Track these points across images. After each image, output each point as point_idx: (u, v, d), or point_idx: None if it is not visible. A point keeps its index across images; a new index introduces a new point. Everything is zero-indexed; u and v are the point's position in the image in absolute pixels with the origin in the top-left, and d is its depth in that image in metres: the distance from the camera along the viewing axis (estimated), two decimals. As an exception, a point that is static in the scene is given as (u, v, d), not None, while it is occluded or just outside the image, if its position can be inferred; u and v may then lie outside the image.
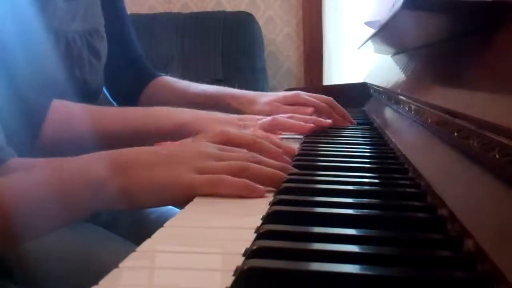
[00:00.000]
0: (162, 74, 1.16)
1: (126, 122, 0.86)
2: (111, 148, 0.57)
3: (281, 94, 1.05)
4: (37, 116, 0.79)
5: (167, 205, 0.55)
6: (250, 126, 0.86)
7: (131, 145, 0.59)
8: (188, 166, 0.54)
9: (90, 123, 0.83)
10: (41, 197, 0.52)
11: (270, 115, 0.91)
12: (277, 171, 0.57)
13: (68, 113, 0.83)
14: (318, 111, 1.00)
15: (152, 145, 0.73)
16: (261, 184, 0.55)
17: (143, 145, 0.61)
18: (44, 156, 0.64)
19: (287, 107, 1.00)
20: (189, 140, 0.71)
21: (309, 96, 1.02)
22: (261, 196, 0.53)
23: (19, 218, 0.51)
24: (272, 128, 0.87)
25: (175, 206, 0.93)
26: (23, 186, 0.53)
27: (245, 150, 0.62)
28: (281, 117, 0.89)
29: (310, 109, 0.99)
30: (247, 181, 0.54)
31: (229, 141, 0.64)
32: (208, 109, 0.92)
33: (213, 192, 0.53)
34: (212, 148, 0.59)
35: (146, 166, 0.54)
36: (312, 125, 0.88)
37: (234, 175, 0.54)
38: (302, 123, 0.88)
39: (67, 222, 0.55)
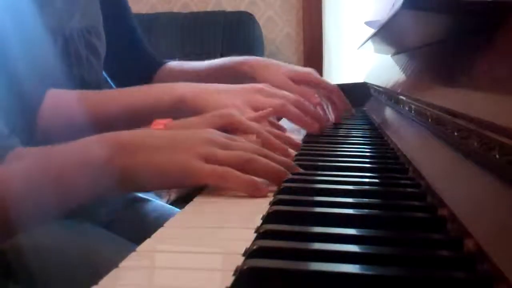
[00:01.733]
0: (168, 60, 1.15)
1: (121, 103, 0.82)
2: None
3: (294, 69, 1.02)
4: (33, 104, 0.79)
5: (169, 188, 0.54)
6: (256, 103, 0.82)
7: (130, 128, 0.57)
8: (193, 152, 0.53)
9: (84, 108, 0.80)
10: (39, 181, 0.51)
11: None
12: (282, 168, 0.56)
13: (60, 99, 0.81)
14: (327, 91, 1.01)
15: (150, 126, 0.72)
16: (265, 178, 0.55)
17: (145, 125, 0.60)
18: (42, 144, 0.64)
19: (295, 87, 0.96)
20: (192, 119, 0.69)
21: (320, 79, 1.02)
22: (264, 196, 0.53)
23: (17, 205, 0.50)
24: (278, 114, 0.84)
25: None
26: (20, 172, 0.51)
27: (252, 141, 0.61)
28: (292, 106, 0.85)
29: (316, 100, 0.96)
30: (254, 178, 0.53)
31: (232, 126, 0.63)
32: (221, 80, 0.88)
33: (218, 184, 0.53)
34: (218, 136, 0.58)
35: (150, 148, 0.53)
36: (317, 125, 0.86)
37: (239, 165, 0.54)
38: (309, 120, 0.85)
39: (68, 206, 0.54)
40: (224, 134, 0.59)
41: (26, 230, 0.58)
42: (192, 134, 0.57)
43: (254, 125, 0.67)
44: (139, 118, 0.81)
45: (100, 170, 0.51)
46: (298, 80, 1.00)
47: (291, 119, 0.84)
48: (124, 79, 1.09)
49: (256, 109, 0.80)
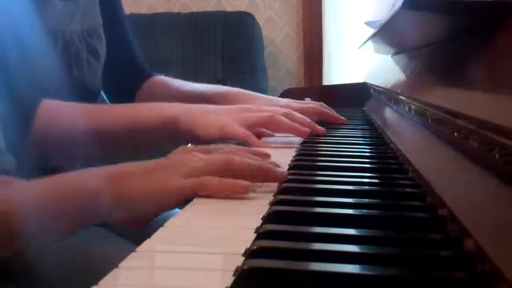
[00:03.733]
0: (157, 74, 1.16)
1: (116, 118, 0.84)
2: (102, 147, 0.58)
3: (272, 102, 1.03)
4: (27, 113, 0.79)
5: (161, 211, 0.56)
6: (246, 120, 0.84)
7: (124, 143, 0.60)
8: (175, 171, 0.56)
9: (79, 121, 0.82)
10: (37, 211, 0.53)
11: None
12: (262, 164, 0.58)
13: (56, 111, 0.82)
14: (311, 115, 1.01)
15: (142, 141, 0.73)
16: (245, 177, 0.55)
17: (136, 141, 0.62)
18: (34, 153, 0.65)
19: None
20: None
21: (299, 103, 1.02)
22: (246, 191, 0.53)
23: (16, 231, 0.52)
24: (268, 126, 0.86)
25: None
26: (19, 201, 0.54)
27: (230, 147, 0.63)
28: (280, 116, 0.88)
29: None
30: (230, 179, 0.55)
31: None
32: None
33: (199, 193, 0.54)
34: (196, 152, 0.61)
35: (138, 175, 0.56)
36: (307, 129, 0.87)
37: (219, 171, 0.55)
38: (299, 125, 0.86)
39: (65, 234, 0.57)
40: (201, 147, 0.62)
41: (24, 251, 0.60)
42: (176, 157, 0.61)
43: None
44: (131, 133, 0.83)
45: (95, 199, 0.54)
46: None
47: (281, 128, 0.85)
48: (110, 86, 1.10)
49: (244, 126, 0.82)
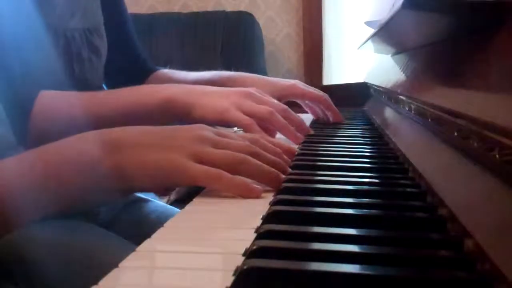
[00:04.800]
0: (161, 68, 1.16)
1: (113, 103, 0.82)
2: None
3: (280, 84, 1.02)
4: (25, 106, 0.79)
5: (163, 187, 0.53)
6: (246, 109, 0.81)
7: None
8: (184, 150, 0.53)
9: (78, 110, 0.80)
10: (30, 176, 0.50)
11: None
12: (274, 170, 0.56)
13: (51, 101, 0.81)
14: (315, 101, 1.03)
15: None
16: (256, 180, 0.55)
17: (134, 125, 0.60)
18: (34, 144, 0.63)
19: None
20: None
21: (307, 86, 1.03)
22: (258, 197, 0.53)
23: (8, 204, 0.49)
24: (265, 122, 0.85)
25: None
26: (11, 173, 0.51)
27: (245, 138, 0.61)
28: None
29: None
30: (246, 179, 0.54)
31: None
32: None
33: (209, 186, 0.53)
34: (210, 132, 0.57)
35: (141, 146, 0.53)
36: (302, 137, 0.85)
37: (230, 166, 0.53)
38: (295, 131, 0.84)
39: (61, 206, 0.53)
40: (217, 131, 0.59)
41: (20, 225, 0.57)
42: (184, 131, 0.57)
43: (249, 135, 0.67)
44: (128, 118, 0.81)
45: (92, 168, 0.51)
46: (283, 96, 0.99)
47: (277, 128, 0.84)
48: (114, 83, 1.10)
49: (243, 113, 0.80)
